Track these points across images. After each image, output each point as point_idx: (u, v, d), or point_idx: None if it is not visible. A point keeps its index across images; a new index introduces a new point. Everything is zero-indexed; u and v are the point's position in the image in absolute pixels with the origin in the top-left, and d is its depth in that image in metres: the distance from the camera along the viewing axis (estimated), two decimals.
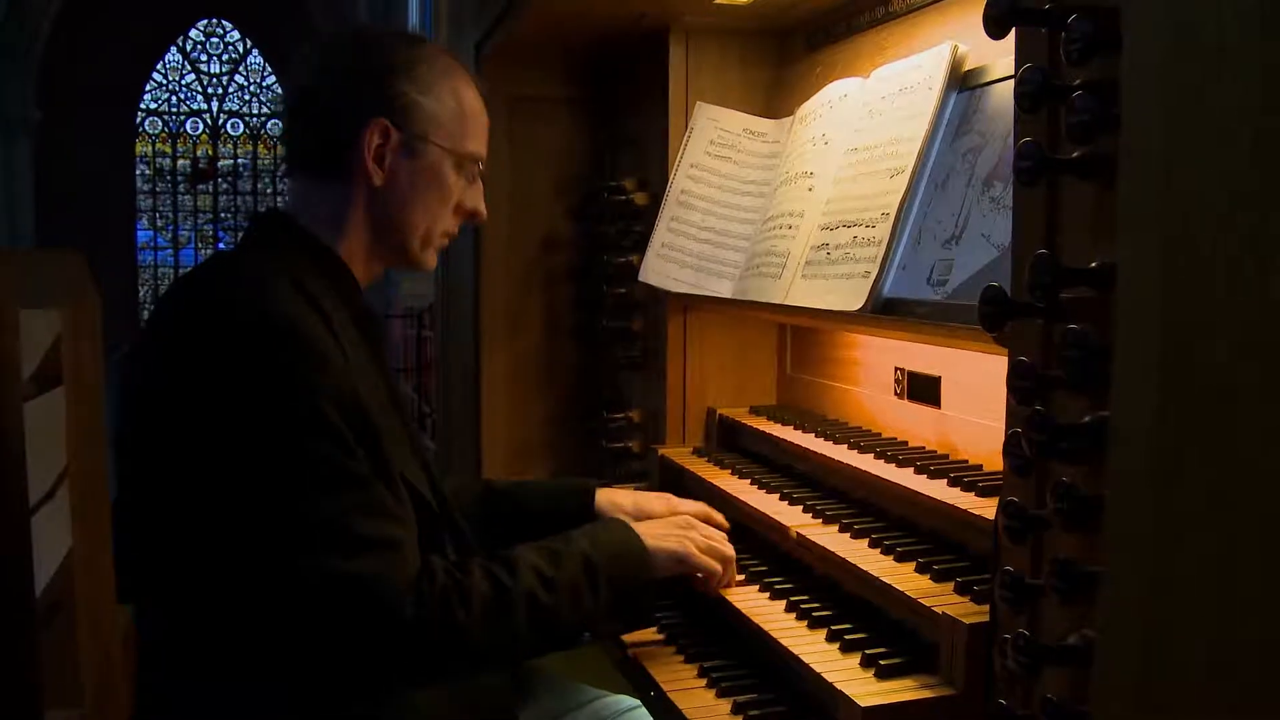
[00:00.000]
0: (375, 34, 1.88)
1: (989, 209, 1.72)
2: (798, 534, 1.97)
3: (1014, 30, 1.36)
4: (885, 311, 1.90)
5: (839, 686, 1.55)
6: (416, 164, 1.83)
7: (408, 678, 1.61)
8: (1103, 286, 1.22)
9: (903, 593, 1.67)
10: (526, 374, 3.29)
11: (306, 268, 1.73)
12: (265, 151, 20.12)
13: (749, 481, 2.34)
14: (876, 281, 1.90)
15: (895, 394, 2.27)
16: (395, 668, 1.57)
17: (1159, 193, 1.01)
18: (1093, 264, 1.21)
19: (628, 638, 2.06)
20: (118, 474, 1.69)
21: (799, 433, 2.38)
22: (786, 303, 2.19)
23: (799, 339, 2.73)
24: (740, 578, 2.03)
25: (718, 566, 1.96)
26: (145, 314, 19.04)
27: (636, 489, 2.37)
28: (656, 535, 1.91)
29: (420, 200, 1.84)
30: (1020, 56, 1.38)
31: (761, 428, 2.51)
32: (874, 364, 2.39)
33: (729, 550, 2.01)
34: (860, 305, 1.92)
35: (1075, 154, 1.27)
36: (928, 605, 1.60)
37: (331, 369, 1.59)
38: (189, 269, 1.90)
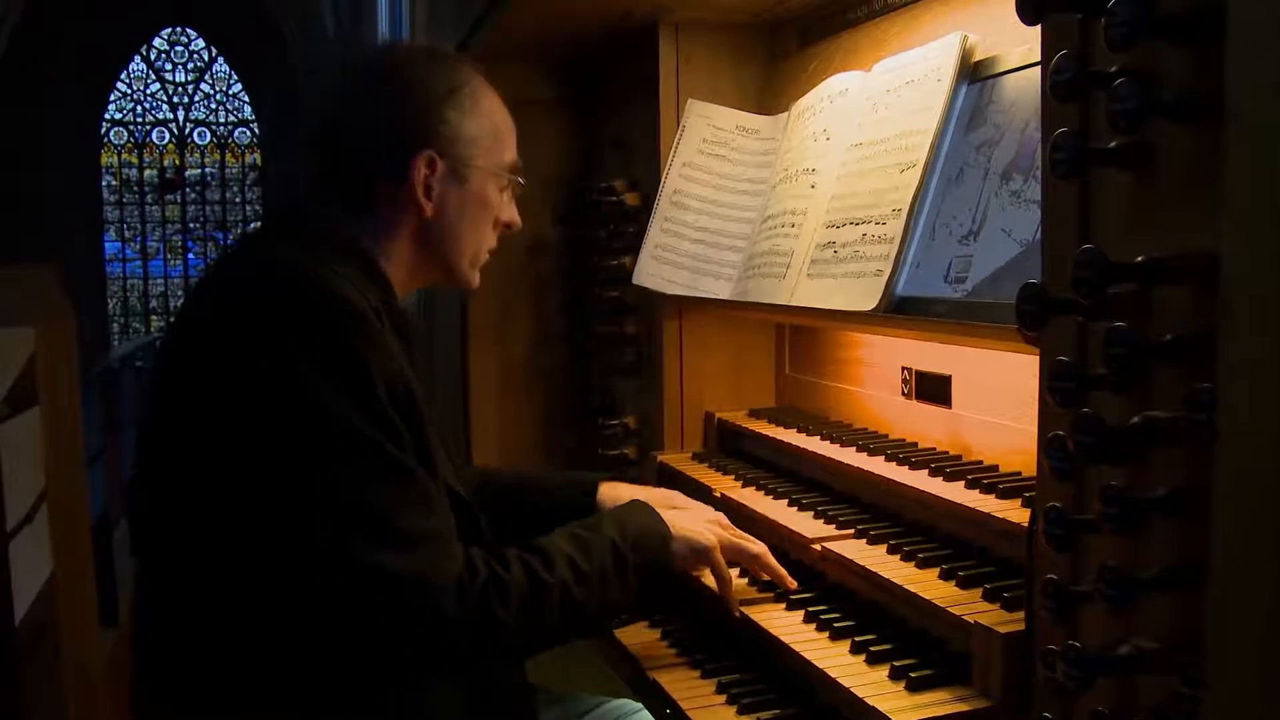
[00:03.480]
0: (409, 57, 1.82)
1: (1009, 203, 1.67)
2: (821, 546, 1.90)
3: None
4: (900, 311, 1.85)
5: (871, 702, 1.49)
6: (464, 190, 1.81)
7: (438, 671, 1.60)
8: (1149, 281, 1.17)
9: (931, 602, 1.61)
10: (516, 381, 3.24)
11: (346, 265, 1.67)
12: (233, 160, 19.93)
13: (754, 488, 2.28)
14: (890, 280, 1.85)
15: (903, 394, 2.23)
16: (429, 662, 1.57)
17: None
18: (1139, 258, 1.16)
19: (639, 652, 2.00)
20: (138, 468, 1.66)
21: (803, 436, 2.33)
22: (792, 303, 2.13)
23: (798, 340, 2.68)
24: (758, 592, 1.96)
25: (729, 574, 1.90)
26: (116, 327, 18.84)
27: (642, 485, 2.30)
28: (681, 526, 1.87)
29: (469, 225, 1.84)
30: (1049, 44, 1.32)
31: (763, 431, 2.45)
32: (879, 364, 2.34)
33: (757, 547, 1.94)
34: (874, 305, 1.87)
35: (1113, 144, 1.22)
36: (958, 614, 1.55)
37: (387, 353, 1.56)
38: (213, 262, 1.84)
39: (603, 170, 3.08)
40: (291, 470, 1.50)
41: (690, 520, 1.93)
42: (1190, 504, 1.11)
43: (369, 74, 1.82)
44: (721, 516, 2.06)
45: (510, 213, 1.92)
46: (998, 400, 1.95)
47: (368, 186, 1.77)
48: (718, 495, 2.22)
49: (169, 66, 19.97)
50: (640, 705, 2.08)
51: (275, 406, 1.51)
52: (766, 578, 1.95)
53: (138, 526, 1.73)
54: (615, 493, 2.14)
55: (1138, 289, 1.17)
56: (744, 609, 1.89)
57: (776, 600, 1.91)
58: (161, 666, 1.65)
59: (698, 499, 2.21)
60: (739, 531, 1.99)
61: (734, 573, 1.93)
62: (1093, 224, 1.28)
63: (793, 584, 1.93)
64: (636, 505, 1.90)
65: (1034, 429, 1.38)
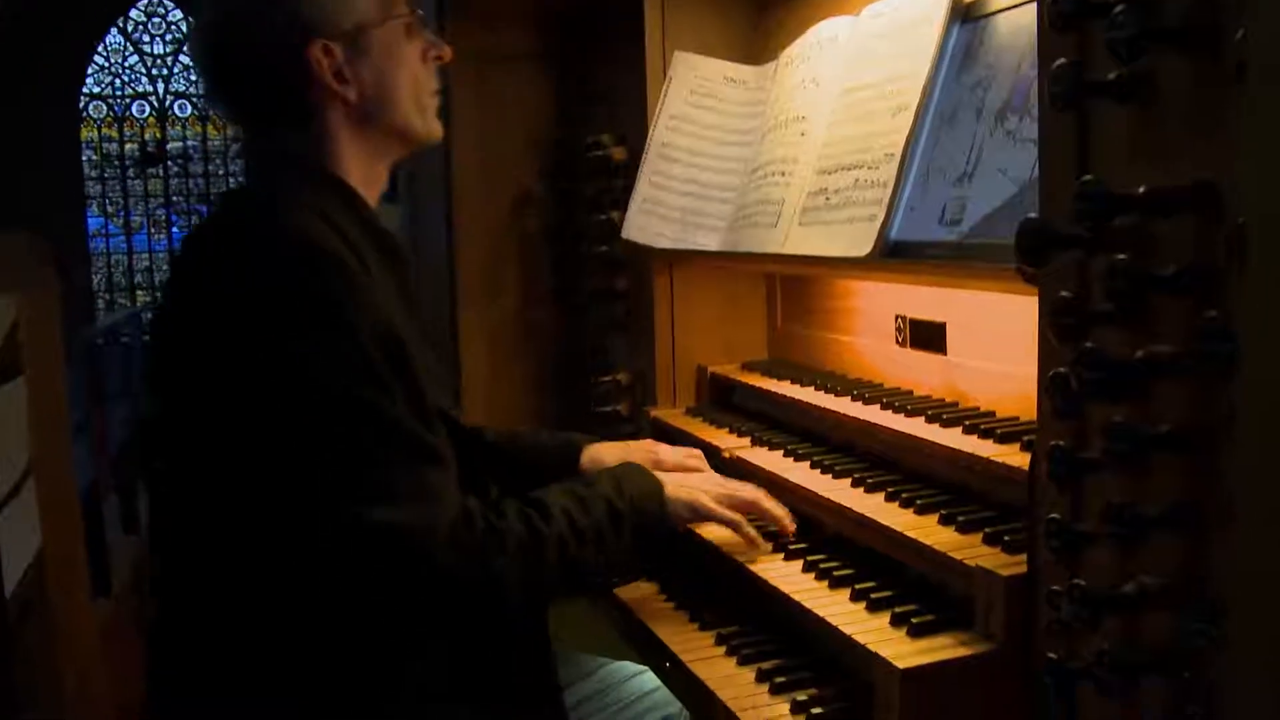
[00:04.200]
0: None
1: (1003, 143, 1.64)
2: (818, 495, 1.89)
3: None
4: (894, 255, 1.83)
5: (872, 648, 1.48)
6: (372, 57, 1.74)
7: (442, 626, 1.59)
8: (1152, 213, 1.14)
9: (931, 547, 1.60)
10: (506, 338, 3.20)
11: (316, 195, 1.65)
12: (215, 133, 19.71)
13: (749, 440, 2.27)
14: (884, 225, 1.82)
15: (897, 342, 2.21)
16: (431, 616, 1.56)
17: None
18: (1141, 189, 1.14)
19: (636, 605, 1.99)
20: (144, 437, 1.68)
21: (797, 387, 2.32)
22: (784, 252, 2.11)
23: (790, 290, 2.66)
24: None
25: (736, 516, 1.89)
26: (101, 303, 18.69)
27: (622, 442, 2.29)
28: (675, 483, 1.87)
29: (396, 83, 1.77)
30: None
31: (756, 383, 2.44)
32: (872, 312, 2.32)
33: (751, 493, 1.93)
34: (867, 251, 1.84)
35: (1112, 75, 1.19)
36: (959, 559, 1.54)
37: (372, 304, 1.54)
38: (204, 220, 1.81)
39: (588, 125, 3.03)
40: (281, 433, 1.49)
41: (683, 478, 1.93)
42: (1195, 439, 1.10)
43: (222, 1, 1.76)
44: (671, 462, 2.07)
45: (428, 46, 1.83)
46: (993, 346, 1.93)
47: (288, 103, 1.72)
48: (727, 456, 2.19)
49: (147, 39, 19.70)
50: (644, 667, 2.08)
51: (262, 371, 1.49)
52: (767, 523, 1.93)
53: (158, 518, 1.72)
54: (598, 452, 2.14)
55: (1140, 221, 1.15)
56: (742, 561, 1.88)
57: (775, 551, 1.90)
58: (179, 656, 1.64)
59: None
60: (730, 481, 1.97)
61: (727, 533, 1.93)
62: (1091, 157, 1.25)
63: (792, 528, 1.92)
64: (631, 466, 1.90)
65: (1031, 373, 1.37)
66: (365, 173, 1.77)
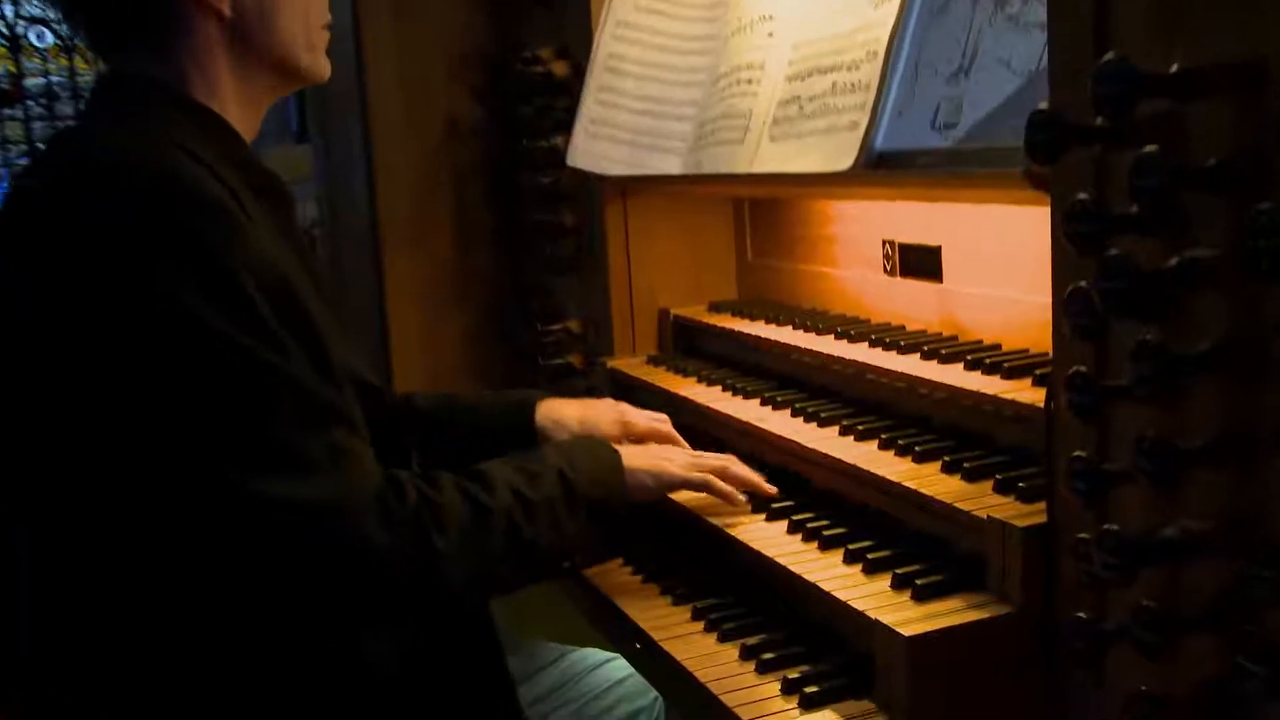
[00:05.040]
0: None
1: (1005, 29, 1.60)
2: (803, 446, 1.87)
3: None
4: (880, 168, 1.78)
5: (872, 615, 1.44)
6: None
7: (375, 617, 1.53)
8: (1185, 96, 1.10)
9: (934, 499, 1.57)
10: (440, 287, 3.14)
11: (181, 128, 1.55)
12: (85, 66, 19.27)
13: (720, 388, 2.25)
14: (867, 133, 1.77)
15: (885, 271, 2.19)
16: (362, 605, 1.49)
17: None
18: (1173, 68, 1.09)
19: (602, 584, 1.95)
20: None
21: (773, 327, 2.30)
22: (754, 171, 2.06)
23: (761, 219, 2.63)
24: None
25: (706, 475, 1.86)
26: None
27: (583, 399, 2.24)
28: (634, 454, 1.85)
29: (279, 2, 1.67)
30: None
31: (727, 325, 2.42)
32: (856, 239, 2.29)
33: (719, 460, 1.90)
34: (849, 164, 1.79)
35: None
36: (967, 510, 1.51)
37: (255, 249, 1.45)
38: (32, 164, 1.67)
39: (524, 37, 2.95)
40: (158, 401, 1.40)
41: (643, 449, 1.92)
42: (1241, 356, 1.06)
43: None
44: (643, 427, 2.04)
45: None
46: (997, 269, 1.91)
47: (148, 11, 1.61)
48: (711, 411, 2.16)
49: None
50: (614, 654, 2.06)
51: (132, 329, 1.39)
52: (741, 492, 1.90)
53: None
54: (555, 410, 2.08)
55: (1171, 107, 1.11)
56: (718, 524, 1.85)
57: (756, 512, 1.87)
58: (48, 641, 1.54)
59: (657, 408, 2.16)
60: (696, 452, 1.96)
61: (700, 495, 1.90)
62: (1111, 36, 1.20)
63: (770, 490, 1.89)
64: (584, 438, 1.88)
65: (1040, 299, 1.36)
66: (241, 107, 1.68)
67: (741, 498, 1.87)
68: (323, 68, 1.76)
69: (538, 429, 2.04)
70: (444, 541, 1.49)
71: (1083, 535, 1.23)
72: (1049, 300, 1.32)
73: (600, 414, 2.07)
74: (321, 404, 1.46)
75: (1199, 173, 1.07)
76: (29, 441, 1.46)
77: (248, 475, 1.39)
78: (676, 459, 1.87)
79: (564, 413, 2.07)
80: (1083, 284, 1.17)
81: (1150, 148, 1.08)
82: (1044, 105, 1.20)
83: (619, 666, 2.07)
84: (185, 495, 1.41)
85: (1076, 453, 1.23)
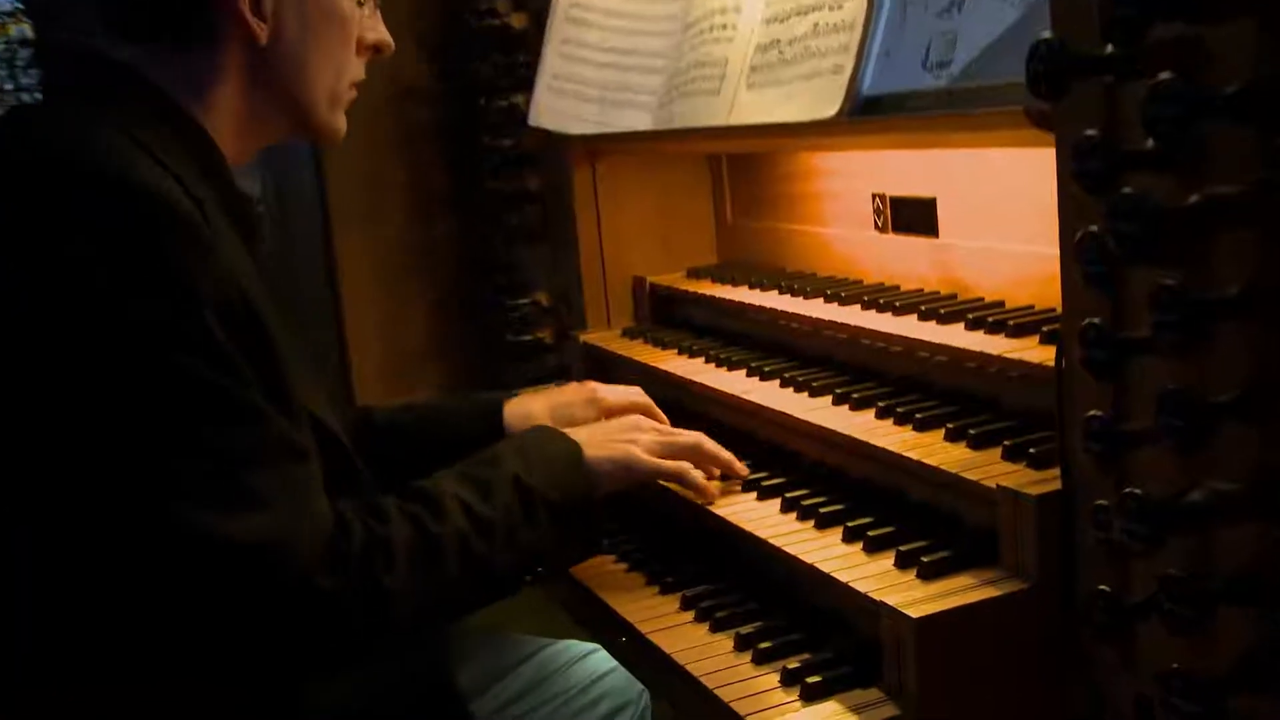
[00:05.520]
0: None
1: None
2: (793, 418, 1.86)
3: None
4: (868, 114, 1.77)
5: (877, 596, 1.43)
6: (306, 4, 1.62)
7: (326, 662, 1.50)
8: (1205, 17, 1.07)
9: (939, 469, 1.56)
10: (395, 264, 3.14)
11: (156, 133, 1.51)
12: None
13: (702, 359, 2.24)
14: (853, 76, 1.76)
15: (876, 228, 2.18)
16: (310, 652, 1.46)
17: None
18: None
19: (581, 573, 1.93)
20: None
21: (757, 292, 2.30)
22: (731, 123, 2.05)
23: (741, 176, 2.62)
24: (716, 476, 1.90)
25: (679, 465, 1.84)
26: None
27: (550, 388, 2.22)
28: (596, 443, 1.80)
29: (321, 49, 1.66)
30: None
31: (707, 292, 2.42)
32: (844, 194, 2.28)
33: (689, 437, 1.88)
34: (834, 110, 1.78)
35: None
36: (975, 480, 1.50)
37: (216, 263, 1.42)
38: None
39: None
40: (102, 425, 1.38)
41: (602, 433, 1.86)
42: (1270, 303, 1.04)
43: None
44: (618, 404, 2.02)
45: (376, 29, 1.76)
46: (997, 220, 1.90)
47: (178, 16, 1.58)
48: (694, 384, 2.15)
49: None
50: (596, 646, 2.05)
51: (75, 344, 1.37)
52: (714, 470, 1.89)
53: None
54: (525, 408, 2.05)
55: (1187, 31, 1.08)
56: (707, 505, 1.84)
57: (746, 490, 1.86)
58: (48, 641, 1.52)
59: (635, 384, 2.14)
60: (661, 426, 1.93)
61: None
62: None
63: (744, 471, 1.89)
64: (538, 430, 1.84)
65: (1046, 250, 1.35)
66: (238, 138, 1.65)
67: (715, 492, 1.86)
68: (338, 128, 1.75)
69: (507, 433, 2.00)
70: (391, 578, 1.48)
71: (1102, 502, 1.22)
72: (1055, 251, 1.31)
73: (571, 400, 2.04)
74: (276, 436, 1.44)
75: (1221, 101, 1.04)
76: (17, 442, 1.45)
77: (189, 507, 1.37)
78: (643, 439, 1.83)
79: (533, 409, 2.04)
80: (1094, 228, 1.15)
81: (1166, 75, 1.06)
82: (1046, 35, 1.18)
83: (602, 659, 2.06)
84: (131, 525, 1.39)
85: (1092, 412, 1.21)
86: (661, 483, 1.87)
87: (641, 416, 1.96)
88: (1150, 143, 1.08)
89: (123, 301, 1.36)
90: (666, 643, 1.68)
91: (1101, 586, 1.21)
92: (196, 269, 1.39)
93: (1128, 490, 1.13)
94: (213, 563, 1.38)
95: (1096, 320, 1.19)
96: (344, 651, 1.50)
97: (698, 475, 1.84)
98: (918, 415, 1.71)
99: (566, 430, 1.82)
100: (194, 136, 1.58)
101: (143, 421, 1.37)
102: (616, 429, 1.88)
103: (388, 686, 1.65)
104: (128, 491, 1.38)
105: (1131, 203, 1.08)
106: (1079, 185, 1.17)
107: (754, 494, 1.83)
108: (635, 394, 2.06)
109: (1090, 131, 1.16)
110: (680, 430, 1.92)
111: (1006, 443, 1.55)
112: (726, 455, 1.88)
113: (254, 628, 1.42)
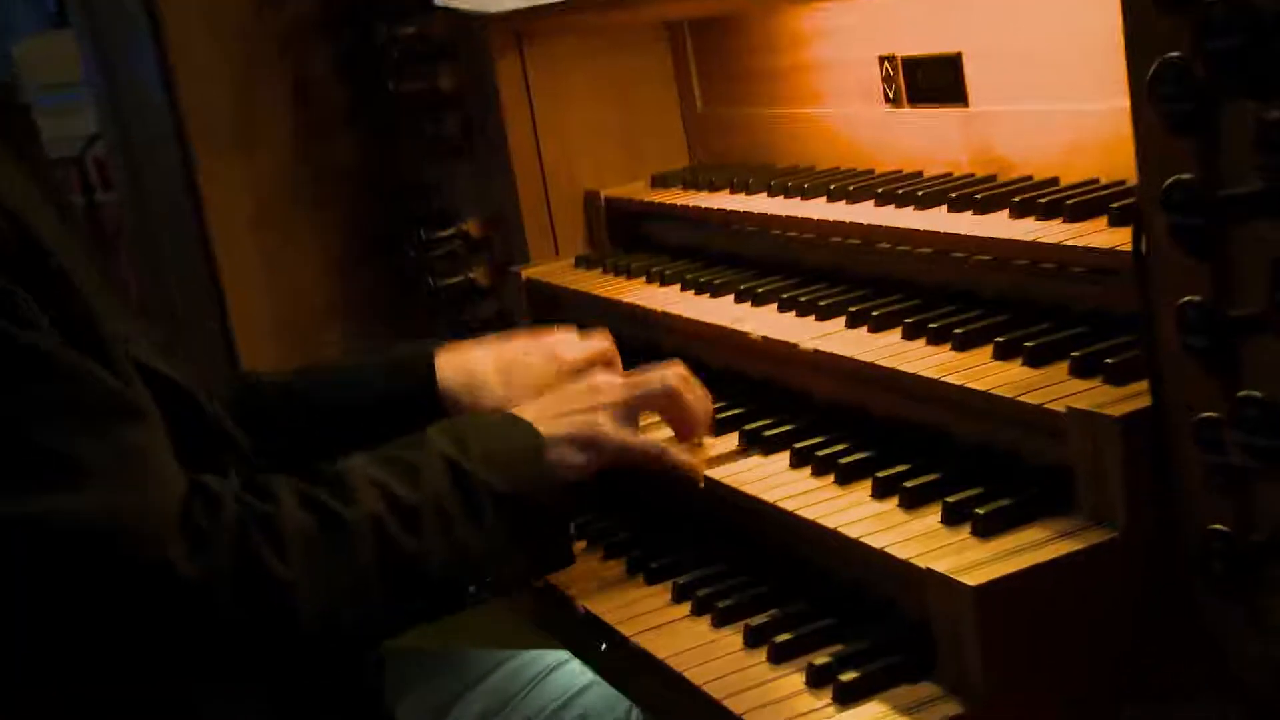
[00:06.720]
0: None
1: None
2: (798, 347, 1.84)
3: None
4: None
5: (921, 564, 1.41)
6: None
7: (209, 667, 1.49)
8: None
9: (991, 394, 1.54)
10: (281, 201, 3.11)
11: None
12: None
13: (678, 286, 2.25)
14: None
15: (887, 100, 2.17)
16: (183, 653, 1.46)
17: None
18: None
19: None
20: None
21: (742, 196, 2.31)
22: None
23: (710, 51, 2.61)
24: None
25: (654, 446, 1.81)
26: None
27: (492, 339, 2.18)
28: (551, 417, 1.77)
29: None
30: None
31: (679, 202, 2.43)
32: (842, 61, 2.27)
33: (660, 381, 1.83)
34: None
35: None
36: (1038, 404, 1.47)
37: None
38: None
39: None
40: None
41: (558, 403, 1.82)
42: None
43: None
44: (576, 360, 1.98)
45: None
46: (1041, 75, 1.89)
47: None
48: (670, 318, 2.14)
49: None
50: (566, 655, 2.06)
51: None
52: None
53: None
54: (462, 362, 2.02)
55: None
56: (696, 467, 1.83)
57: (747, 445, 1.86)
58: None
59: (595, 324, 2.12)
60: (631, 378, 1.88)
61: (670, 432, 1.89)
62: None
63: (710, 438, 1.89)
64: (478, 415, 1.86)
65: (1108, 105, 1.38)
66: None
67: (701, 466, 1.83)
68: None
69: (443, 394, 1.98)
70: (284, 567, 1.47)
71: (1209, 414, 1.20)
72: (1123, 104, 1.28)
73: (523, 356, 2.01)
74: (91, 387, 1.44)
75: None
76: None
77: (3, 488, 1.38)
78: (611, 399, 1.79)
79: (476, 364, 2.01)
80: (1175, 54, 1.13)
81: None
82: None
83: (575, 672, 2.07)
84: None
85: (1188, 298, 1.20)
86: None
87: (600, 372, 1.91)
88: None
89: None
90: (657, 645, 1.66)
91: (1216, 525, 1.21)
92: None
93: (1243, 394, 1.13)
94: (42, 553, 1.38)
95: (1186, 176, 1.17)
96: (228, 654, 1.49)
97: (678, 455, 1.81)
98: (957, 331, 1.70)
99: (520, 409, 1.79)
100: None
101: None
102: (574, 396, 1.84)
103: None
104: None
105: (1226, 15, 1.06)
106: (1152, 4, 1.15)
107: (759, 448, 1.83)
108: (602, 344, 2.02)
109: None
110: (649, 372, 1.86)
111: (1074, 354, 1.54)
112: (700, 404, 1.85)
113: (107, 626, 1.42)
